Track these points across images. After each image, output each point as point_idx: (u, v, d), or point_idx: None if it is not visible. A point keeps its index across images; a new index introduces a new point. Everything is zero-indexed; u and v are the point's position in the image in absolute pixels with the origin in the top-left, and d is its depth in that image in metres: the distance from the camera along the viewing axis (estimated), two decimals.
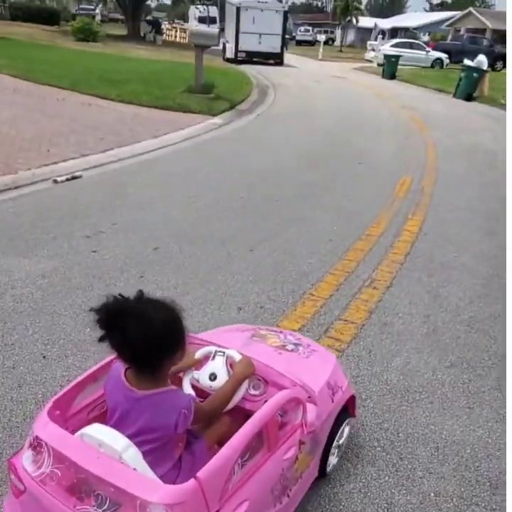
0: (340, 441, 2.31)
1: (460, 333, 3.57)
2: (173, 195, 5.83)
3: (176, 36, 38.30)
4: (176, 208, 5.44)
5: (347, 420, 2.32)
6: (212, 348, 2.02)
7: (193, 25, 44.37)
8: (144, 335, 1.51)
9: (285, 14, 25.94)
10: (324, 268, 4.35)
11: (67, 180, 6.07)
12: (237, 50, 24.86)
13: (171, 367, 1.68)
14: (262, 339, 2.38)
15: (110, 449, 1.50)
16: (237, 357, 1.98)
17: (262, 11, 24.72)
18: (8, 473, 1.70)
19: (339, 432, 2.25)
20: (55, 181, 6.00)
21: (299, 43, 49.61)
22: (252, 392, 2.03)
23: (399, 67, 24.12)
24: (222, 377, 1.96)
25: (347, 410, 2.30)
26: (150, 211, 5.30)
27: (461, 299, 4.03)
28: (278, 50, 25.38)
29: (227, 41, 26.36)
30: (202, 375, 1.99)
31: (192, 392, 1.94)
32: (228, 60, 24.92)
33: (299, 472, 1.95)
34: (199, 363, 2.02)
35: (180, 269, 4.13)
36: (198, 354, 2.02)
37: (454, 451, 2.55)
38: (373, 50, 31.97)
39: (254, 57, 24.99)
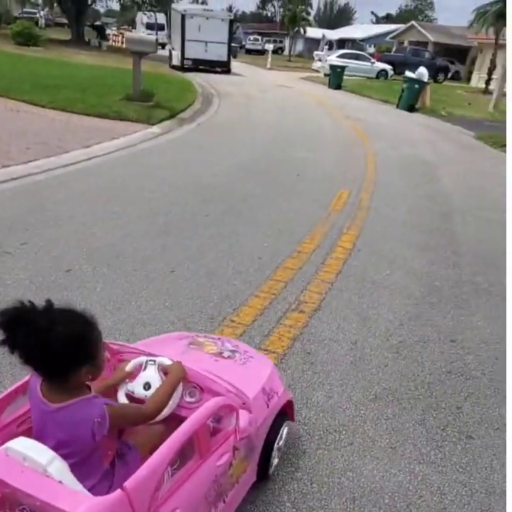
0: (280, 444, 2.33)
1: (387, 360, 3.37)
2: (96, 211, 5.44)
3: (122, 42, 37.52)
4: (96, 225, 5.06)
5: (285, 424, 2.34)
6: (143, 358, 2.02)
7: (141, 31, 43.88)
8: (38, 346, 1.47)
9: (231, 23, 25.85)
10: (249, 290, 4.09)
11: None
12: (183, 58, 24.54)
13: (84, 379, 1.61)
14: (198, 347, 2.38)
15: (34, 462, 1.47)
16: (168, 363, 1.99)
17: (207, 18, 24.54)
18: None
19: (278, 436, 2.28)
20: None
21: (249, 51, 49.87)
22: (188, 399, 2.01)
23: (345, 77, 24.46)
24: (157, 385, 1.95)
25: (284, 414, 2.34)
26: (67, 229, 4.91)
27: (391, 321, 3.85)
28: (225, 59, 25.22)
29: (173, 48, 26.05)
30: (136, 386, 1.98)
31: (125, 401, 1.96)
32: (174, 68, 24.57)
33: (234, 477, 1.95)
34: (131, 375, 2.01)
35: (91, 295, 3.77)
36: (129, 366, 2.01)
37: (371, 502, 2.31)
38: (320, 60, 32.28)
39: (200, 65, 24.73)
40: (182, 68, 24.20)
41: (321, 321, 3.74)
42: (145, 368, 2.00)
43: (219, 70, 25.35)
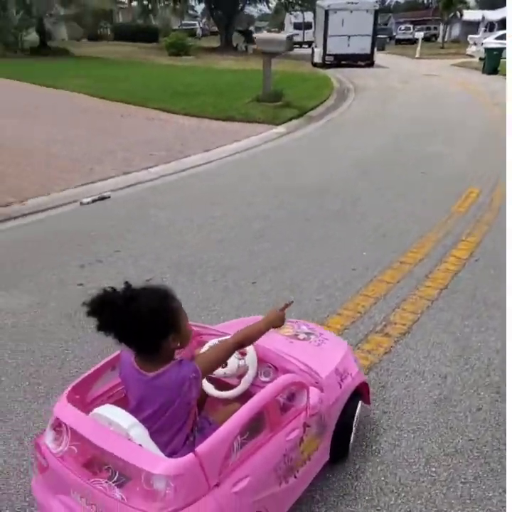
0: (352, 427, 2.33)
1: (482, 402, 2.75)
2: (195, 217, 5.39)
3: None
4: (191, 232, 5.00)
5: (357, 406, 2.36)
6: (216, 341, 2.08)
7: (288, 32, 44.33)
8: (123, 323, 1.65)
9: (376, 13, 24.81)
10: (332, 307, 3.67)
11: (93, 201, 5.87)
12: (324, 54, 24.17)
13: (172, 346, 1.74)
14: (276, 330, 2.29)
15: (118, 427, 1.65)
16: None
17: (351, 12, 23.84)
18: (35, 452, 1.86)
19: (355, 415, 2.33)
20: (81, 203, 5.82)
21: (399, 41, 47.68)
22: (263, 379, 2.14)
23: (503, 61, 22.06)
24: (233, 362, 2.08)
25: (358, 397, 2.37)
26: (161, 236, 4.91)
27: (497, 352, 3.18)
28: (368, 51, 24.30)
29: (315, 46, 25.80)
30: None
31: (209, 385, 2.15)
32: (316, 65, 24.34)
33: (306, 454, 2.02)
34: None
35: None
36: (206, 346, 2.09)
37: None
38: (475, 44, 29.65)
39: (342, 60, 24.15)
40: (323, 65, 23.87)
41: (408, 347, 3.21)
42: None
43: (362, 63, 24.53)
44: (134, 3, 42.88)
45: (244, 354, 2.12)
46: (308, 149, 8.83)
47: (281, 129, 10.28)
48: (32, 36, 21.89)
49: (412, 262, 4.37)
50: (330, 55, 24.15)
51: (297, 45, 28.11)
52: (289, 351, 2.21)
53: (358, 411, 2.36)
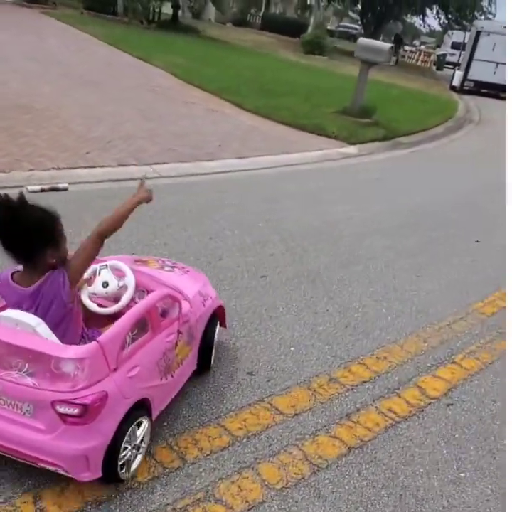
0: (213, 343, 2.84)
1: None
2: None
3: (416, 59, 35.97)
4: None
5: (216, 327, 2.87)
6: (96, 266, 2.38)
7: (446, 50, 41.42)
8: (15, 227, 1.88)
9: None
10: (329, 368, 2.49)
11: (43, 190, 5.00)
12: (464, 79, 21.81)
13: (49, 260, 1.95)
14: (143, 263, 2.81)
15: (26, 325, 1.92)
16: (120, 264, 2.46)
17: (505, 36, 21.19)
18: None
19: (215, 335, 2.85)
20: (27, 190, 4.92)
21: None
22: (137, 300, 2.36)
23: None
24: (114, 282, 2.39)
25: (216, 319, 2.86)
26: None
27: None
28: None
29: (458, 68, 23.43)
30: (96, 287, 2.38)
31: (94, 305, 2.39)
32: (454, 89, 22.04)
33: (179, 358, 2.46)
34: (89, 281, 2.38)
35: None
36: (85, 275, 2.27)
37: None
38: None
39: (483, 89, 21.63)
40: (461, 90, 21.53)
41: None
42: (99, 273, 2.39)
43: (505, 96, 21.79)
44: None
45: (123, 276, 2.41)
46: (361, 182, 7.35)
47: (351, 149, 8.87)
48: (169, 10, 22.01)
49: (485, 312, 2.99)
50: (470, 80, 21.73)
51: (450, 66, 25.79)
52: (160, 278, 2.60)
53: (217, 330, 2.86)
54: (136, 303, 2.29)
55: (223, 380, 2.85)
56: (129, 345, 2.12)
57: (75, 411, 1.86)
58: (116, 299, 2.41)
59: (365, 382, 3.01)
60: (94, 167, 5.88)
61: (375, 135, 9.78)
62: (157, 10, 21.22)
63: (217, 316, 2.86)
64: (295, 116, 9.87)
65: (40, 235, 1.92)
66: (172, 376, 2.38)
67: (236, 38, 24.97)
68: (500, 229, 5.65)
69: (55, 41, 12.92)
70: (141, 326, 2.22)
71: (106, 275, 2.37)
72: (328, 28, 47.08)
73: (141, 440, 2.17)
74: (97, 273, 2.37)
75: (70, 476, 1.96)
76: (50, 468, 1.95)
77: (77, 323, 2.11)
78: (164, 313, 2.38)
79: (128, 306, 2.29)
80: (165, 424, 2.48)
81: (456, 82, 22.31)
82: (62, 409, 1.86)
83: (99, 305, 2.41)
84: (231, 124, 8.91)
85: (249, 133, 8.57)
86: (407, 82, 20.19)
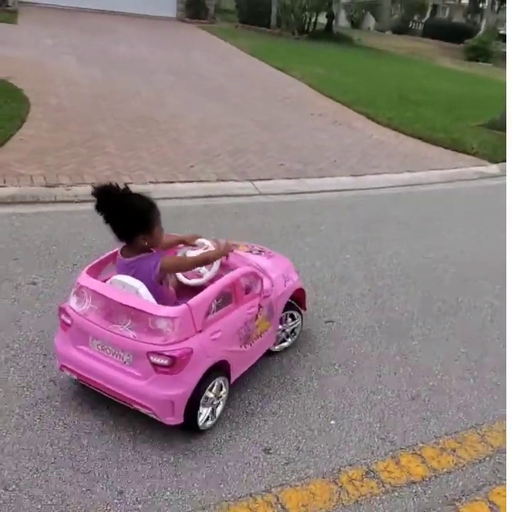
0: (292, 328, 3.10)
1: None
2: None
3: None
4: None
5: (296, 310, 3.08)
6: (208, 243, 2.71)
7: None
8: (116, 210, 2.29)
9: None
10: (371, 455, 2.08)
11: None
12: None
13: (141, 243, 2.35)
14: (234, 247, 2.87)
15: (130, 287, 2.31)
16: (208, 243, 2.72)
17: None
18: (58, 315, 2.46)
19: (295, 319, 3.09)
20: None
21: None
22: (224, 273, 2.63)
23: None
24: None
25: (294, 304, 3.06)
26: None
27: None
28: None
29: None
30: (194, 253, 2.70)
31: (184, 278, 2.75)
32: None
33: (259, 330, 2.70)
34: (195, 246, 2.71)
35: None
36: (198, 241, 2.71)
37: None
38: None
39: None
40: None
41: None
42: (206, 248, 2.67)
43: None
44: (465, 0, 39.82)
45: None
46: (489, 209, 6.27)
47: (492, 168, 7.72)
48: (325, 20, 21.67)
49: None
50: None
51: None
52: (247, 259, 2.88)
53: (297, 315, 3.09)
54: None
55: (230, 454, 2.39)
56: (213, 312, 2.45)
57: (165, 362, 2.21)
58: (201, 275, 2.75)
59: (413, 483, 2.34)
60: (192, 182, 5.73)
61: None
62: (312, 20, 20.97)
63: (298, 298, 3.06)
64: (431, 129, 8.91)
65: (134, 222, 2.29)
66: (251, 345, 2.64)
67: (392, 45, 23.87)
68: None
69: (199, 54, 13.26)
70: (226, 297, 2.53)
71: (193, 253, 2.70)
72: (501, 32, 43.20)
73: (219, 398, 2.50)
74: (204, 247, 2.68)
75: (158, 419, 2.31)
76: (143, 410, 2.32)
77: (165, 300, 2.38)
78: (247, 289, 2.66)
79: (212, 281, 2.55)
80: (140, 507, 2.10)
81: None
82: (155, 360, 2.22)
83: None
84: (355, 137, 8.27)
85: (374, 148, 7.87)
86: None
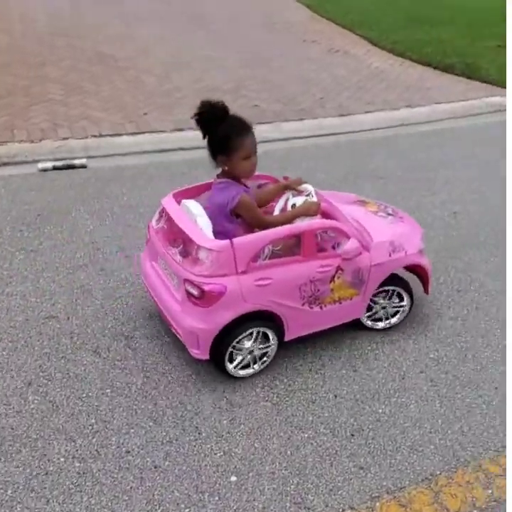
0: (396, 309, 2.71)
1: None
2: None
3: None
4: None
5: (403, 287, 2.66)
6: (310, 188, 2.49)
7: None
8: (209, 126, 2.24)
9: None
10: None
11: (55, 168, 4.16)
12: None
13: (220, 165, 2.30)
14: (361, 204, 2.82)
15: (191, 213, 2.29)
16: (310, 188, 2.51)
17: None
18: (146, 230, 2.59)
19: (403, 299, 2.69)
20: (39, 169, 4.16)
21: None
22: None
23: None
24: (300, 201, 2.47)
25: (404, 281, 2.68)
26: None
27: None
28: None
29: None
30: (297, 200, 2.46)
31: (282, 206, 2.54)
32: None
33: (336, 295, 2.43)
34: (300, 192, 2.50)
35: None
36: (303, 186, 2.50)
37: None
38: None
39: None
40: None
41: None
42: (308, 195, 2.46)
43: None
44: None
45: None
46: (497, 152, 5.28)
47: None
48: None
49: None
50: None
51: None
52: (360, 218, 2.61)
53: (407, 296, 2.68)
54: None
55: None
56: (267, 257, 2.32)
57: (196, 292, 2.15)
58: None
59: None
60: (141, 133, 4.91)
61: None
62: None
63: (420, 276, 2.74)
64: (443, 53, 7.68)
65: (215, 142, 2.25)
66: (321, 308, 2.42)
67: None
68: None
69: None
70: (291, 246, 2.35)
71: (296, 199, 2.49)
72: None
73: (264, 353, 2.40)
74: (307, 193, 2.48)
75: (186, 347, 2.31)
76: (178, 336, 2.34)
77: (231, 235, 2.22)
78: (327, 245, 2.45)
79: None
80: None
81: None
82: (188, 288, 2.18)
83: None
84: (351, 67, 7.16)
85: (371, 79, 6.80)
86: None
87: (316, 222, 2.35)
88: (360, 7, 10.14)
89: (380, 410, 2.32)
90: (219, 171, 2.36)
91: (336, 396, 2.37)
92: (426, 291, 2.77)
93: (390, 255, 2.51)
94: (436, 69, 7.29)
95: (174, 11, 9.11)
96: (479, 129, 5.72)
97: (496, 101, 6.49)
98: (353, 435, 2.20)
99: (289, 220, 2.34)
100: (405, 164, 4.69)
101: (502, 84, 6.84)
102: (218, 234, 2.25)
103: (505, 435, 2.23)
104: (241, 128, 2.26)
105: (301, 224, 2.30)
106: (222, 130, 2.22)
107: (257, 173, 2.41)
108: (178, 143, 4.82)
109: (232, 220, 2.29)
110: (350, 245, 2.35)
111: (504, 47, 7.83)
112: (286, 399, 2.35)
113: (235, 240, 2.14)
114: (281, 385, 2.42)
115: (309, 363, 2.54)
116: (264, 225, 2.30)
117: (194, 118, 2.23)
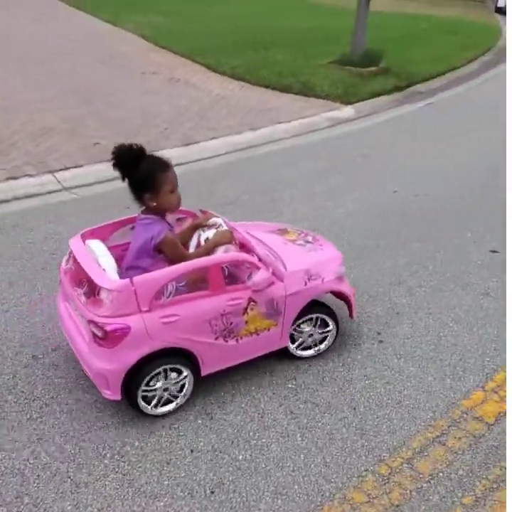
0: (324, 336, 2.69)
1: None
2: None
3: None
4: None
5: (327, 313, 2.66)
6: (219, 220, 2.52)
7: None
8: (128, 168, 2.25)
9: None
10: None
11: None
12: None
13: (148, 203, 2.29)
14: (281, 233, 2.84)
15: (94, 253, 2.29)
16: (219, 221, 2.54)
17: None
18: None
19: (329, 325, 2.67)
20: None
21: None
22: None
23: None
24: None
25: (325, 306, 2.69)
26: None
27: None
28: None
29: None
30: (209, 233, 2.48)
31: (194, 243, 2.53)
32: (500, 11, 18.88)
33: (252, 327, 2.40)
34: (208, 226, 2.52)
35: None
36: (211, 221, 2.53)
37: None
38: None
39: None
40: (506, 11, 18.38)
41: None
42: (217, 227, 2.49)
43: None
44: None
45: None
46: (338, 164, 5.52)
47: (346, 111, 6.98)
48: None
49: None
50: None
51: None
52: (276, 248, 2.60)
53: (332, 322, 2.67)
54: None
55: None
56: (171, 293, 2.21)
57: (99, 333, 2.13)
58: None
59: None
60: None
61: (381, 87, 7.81)
62: None
63: (344, 301, 2.77)
64: (279, 74, 8.00)
65: (140, 182, 2.28)
66: (237, 341, 2.38)
67: None
68: None
69: (8, 13, 11.32)
70: (197, 281, 2.29)
71: (208, 233, 2.48)
72: None
73: (180, 389, 2.34)
74: (217, 226, 2.49)
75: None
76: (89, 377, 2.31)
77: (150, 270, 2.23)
78: (236, 277, 2.39)
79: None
80: None
81: (501, 3, 19.10)
82: (92, 329, 2.15)
83: None
84: (192, 96, 7.17)
85: (213, 106, 6.83)
86: (441, 10, 17.44)
87: (221, 256, 2.33)
88: (198, 34, 10.29)
89: (241, 456, 2.18)
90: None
91: (192, 451, 2.20)
92: (351, 315, 2.78)
93: (305, 284, 2.50)
94: (275, 90, 7.55)
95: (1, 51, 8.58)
96: (319, 144, 5.93)
97: (332, 115, 6.82)
98: (213, 492, 2.03)
99: (209, 252, 2.37)
100: (252, 187, 4.69)
101: (335, 98, 7.22)
102: (139, 269, 2.25)
103: (367, 457, 2.19)
104: (162, 164, 2.29)
105: (205, 259, 2.29)
106: (145, 168, 2.25)
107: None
108: (12, 192, 4.43)
109: (155, 255, 2.29)
110: (259, 276, 2.33)
111: (334, 63, 8.35)
112: (139, 465, 2.13)
113: (136, 278, 2.11)
114: (133, 450, 2.19)
115: (161, 418, 2.35)
116: (185, 260, 2.30)
117: (112, 162, 2.24)
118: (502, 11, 18.68)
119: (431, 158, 5.49)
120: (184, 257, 2.30)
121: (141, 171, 2.24)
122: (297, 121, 6.53)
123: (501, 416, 2.40)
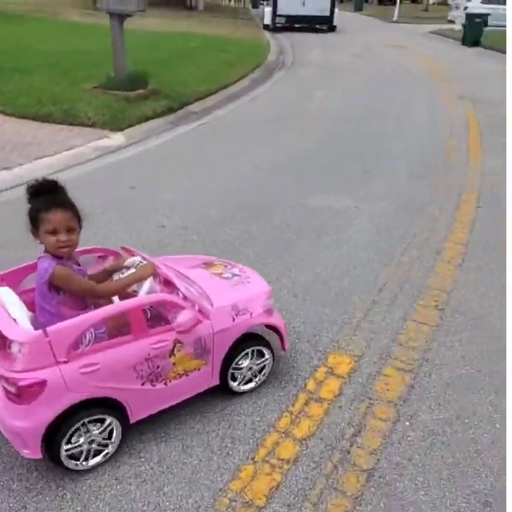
0: (261, 366, 2.62)
1: None
2: None
3: (231, 0, 33.73)
4: None
5: (261, 344, 2.61)
6: (137, 259, 2.43)
7: None
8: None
9: None
10: None
11: None
12: (274, 15, 19.92)
13: (42, 242, 2.17)
14: (207, 266, 2.76)
15: (4, 303, 2.14)
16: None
17: None
18: None
19: (264, 355, 2.61)
20: None
21: (381, 1, 42.98)
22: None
23: (491, 28, 18.03)
24: (144, 283, 2.32)
25: (264, 339, 2.64)
26: None
27: None
28: (327, 13, 20.00)
29: (267, 4, 21.45)
30: (128, 273, 2.38)
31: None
32: (267, 28, 20.16)
33: (180, 369, 2.30)
34: (126, 268, 2.42)
35: None
36: (128, 262, 2.44)
37: None
38: (457, 7, 25.15)
39: (296, 23, 20.04)
40: (275, 28, 19.71)
41: None
42: (136, 266, 2.38)
43: (320, 27, 20.39)
44: None
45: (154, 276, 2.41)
46: (104, 202, 5.12)
47: (115, 139, 6.55)
48: None
49: None
50: (281, 16, 19.90)
51: (262, 2, 23.50)
52: (202, 283, 2.50)
53: (267, 352, 2.62)
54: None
55: None
56: (90, 341, 2.12)
57: (12, 389, 1.96)
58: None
59: None
60: None
61: (152, 110, 7.52)
62: None
63: (279, 336, 2.69)
64: (38, 102, 7.24)
65: (31, 220, 2.16)
66: (166, 384, 2.28)
67: (12, 1, 20.83)
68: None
69: None
70: (118, 326, 2.20)
71: (127, 273, 2.39)
72: None
73: (107, 438, 2.19)
74: (134, 265, 2.40)
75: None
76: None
77: (57, 312, 2.14)
78: (160, 318, 2.32)
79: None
80: None
81: (267, 20, 20.41)
82: (4, 385, 1.99)
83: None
84: None
85: None
86: (210, 28, 17.94)
87: (142, 298, 2.23)
88: None
89: None
90: None
91: None
92: (283, 348, 2.71)
93: (233, 319, 2.43)
94: (35, 120, 6.83)
95: None
96: (84, 178, 5.42)
97: (101, 144, 6.35)
98: None
99: (126, 285, 2.29)
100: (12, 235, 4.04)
101: (103, 125, 6.78)
102: (46, 312, 2.15)
103: None
104: (51, 203, 2.16)
105: (124, 302, 2.21)
106: (34, 204, 2.17)
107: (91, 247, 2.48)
108: None
109: (54, 296, 2.15)
110: (184, 317, 2.25)
111: (100, 88, 7.85)
112: None
113: (50, 328, 1.96)
114: None
115: None
116: (95, 293, 2.23)
117: (26, 195, 2.18)
118: (269, 28, 19.99)
119: (197, 181, 5.35)
120: (89, 290, 2.21)
121: (32, 205, 2.17)
122: (62, 153, 5.92)
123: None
